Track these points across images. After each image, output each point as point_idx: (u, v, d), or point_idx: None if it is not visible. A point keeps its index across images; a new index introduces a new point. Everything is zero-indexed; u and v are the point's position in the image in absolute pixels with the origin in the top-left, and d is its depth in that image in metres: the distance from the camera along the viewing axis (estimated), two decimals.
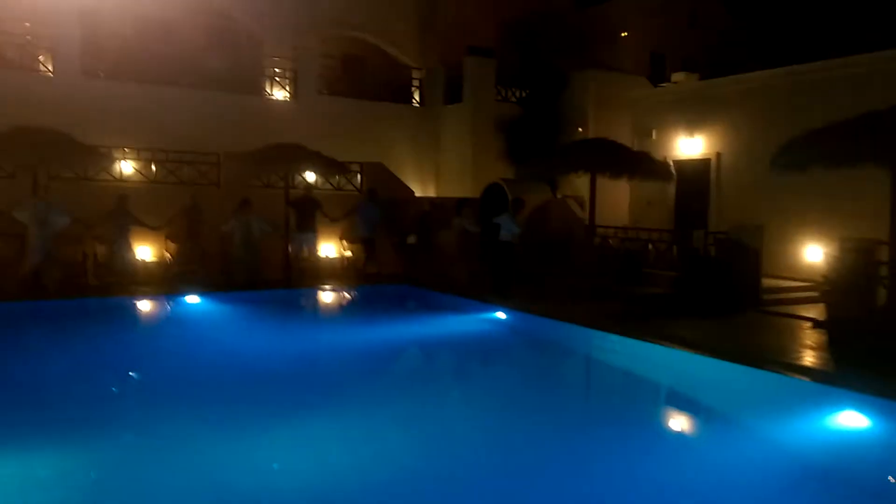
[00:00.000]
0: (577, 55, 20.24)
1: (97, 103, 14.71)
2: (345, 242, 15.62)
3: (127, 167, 14.34)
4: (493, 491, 4.91)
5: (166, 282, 12.92)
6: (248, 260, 13.14)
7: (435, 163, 19.89)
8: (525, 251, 13.10)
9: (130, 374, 8.07)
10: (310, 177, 15.36)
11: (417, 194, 17.89)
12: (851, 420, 6.55)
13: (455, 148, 19.36)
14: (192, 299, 11.94)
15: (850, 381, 6.79)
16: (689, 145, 16.05)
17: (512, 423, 6.53)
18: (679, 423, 7.38)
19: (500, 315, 11.30)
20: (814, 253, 12.68)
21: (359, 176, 16.35)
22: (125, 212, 12.51)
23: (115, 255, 12.45)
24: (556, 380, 8.64)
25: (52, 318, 10.56)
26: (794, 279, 12.96)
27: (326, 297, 13.53)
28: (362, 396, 7.24)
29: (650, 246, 13.68)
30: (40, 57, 15.18)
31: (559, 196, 16.80)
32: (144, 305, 11.91)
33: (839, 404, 6.62)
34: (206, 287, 12.33)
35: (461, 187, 18.26)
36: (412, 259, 14.87)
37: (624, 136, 16.11)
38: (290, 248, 13.95)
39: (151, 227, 13.02)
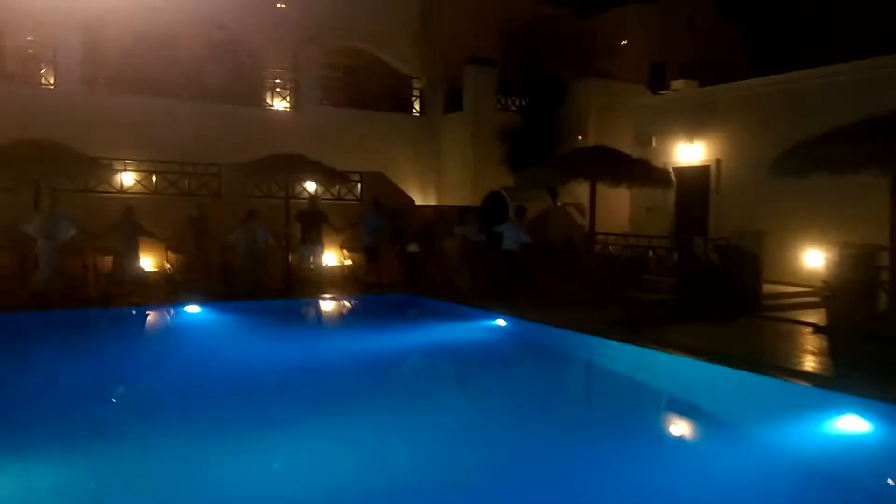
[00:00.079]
0: (577, 64, 20.32)
1: (98, 115, 14.80)
2: (345, 251, 15.65)
3: (128, 179, 14.40)
4: (494, 497, 4.91)
5: (167, 292, 12.93)
6: (252, 270, 13.19)
7: (435, 172, 19.94)
8: (526, 258, 13.13)
9: (129, 385, 8.07)
10: (310, 187, 15.41)
11: (418, 203, 17.93)
12: (852, 425, 6.53)
13: (455, 157, 19.41)
14: (194, 309, 11.95)
15: (851, 386, 6.78)
16: (689, 152, 16.08)
17: (513, 432, 6.52)
18: (680, 429, 7.37)
19: (501, 322, 11.30)
20: (814, 258, 12.68)
21: (359, 185, 16.39)
22: (133, 223, 12.52)
23: (124, 266, 12.45)
24: (557, 387, 8.62)
25: (53, 329, 10.58)
26: (795, 284, 12.95)
27: (327, 306, 13.53)
28: (361, 406, 7.23)
29: (650, 252, 13.69)
30: (42, 70, 15.27)
31: (559, 204, 16.84)
32: (146, 316, 11.92)
33: (840, 409, 6.60)
34: (207, 297, 12.35)
35: (462, 196, 18.29)
36: (414, 268, 14.89)
37: (624, 143, 16.14)
38: (290, 258, 14.00)
39: (159, 239, 13.06)
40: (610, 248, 14.28)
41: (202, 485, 5.06)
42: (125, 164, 14.28)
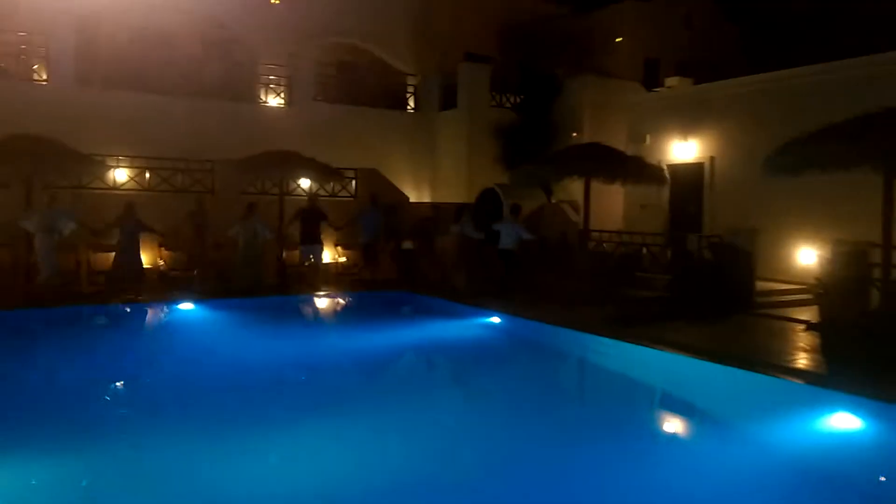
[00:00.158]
0: (572, 61, 20.30)
1: (92, 112, 14.73)
2: (339, 248, 15.63)
3: (121, 175, 14.34)
4: (487, 493, 4.92)
5: (162, 289, 12.88)
6: (251, 265, 13.17)
7: (430, 168, 19.92)
8: (522, 256, 13.15)
9: (121, 382, 8.06)
10: (305, 183, 15.38)
11: (412, 200, 17.92)
12: (844, 422, 6.56)
13: (450, 154, 19.40)
14: (190, 306, 11.92)
15: (843, 383, 6.81)
16: (683, 149, 16.10)
17: (506, 429, 6.53)
18: (673, 426, 7.39)
19: (495, 320, 11.32)
20: (807, 256, 12.70)
21: (354, 182, 16.37)
22: (135, 219, 12.45)
23: (124, 261, 12.41)
24: (551, 384, 8.63)
25: (47, 327, 10.56)
26: (788, 282, 12.99)
27: (321, 303, 13.53)
28: (353, 404, 7.23)
29: (644, 250, 13.71)
30: (35, 66, 15.19)
31: (554, 201, 16.84)
32: (139, 313, 11.89)
33: (832, 406, 6.63)
34: (201, 293, 12.32)
35: (456, 193, 18.28)
36: (408, 265, 14.88)
37: (618, 140, 16.15)
38: (284, 255, 14.00)
39: (160, 234, 13.02)
40: (604, 245, 14.29)
41: (196, 483, 5.05)
42: (118, 161, 14.22)
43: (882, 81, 12.11)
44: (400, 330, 11.65)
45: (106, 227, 12.33)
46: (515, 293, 12.29)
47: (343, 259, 15.65)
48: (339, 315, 13.49)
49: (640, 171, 12.56)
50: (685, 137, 16.04)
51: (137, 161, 14.52)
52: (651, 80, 19.92)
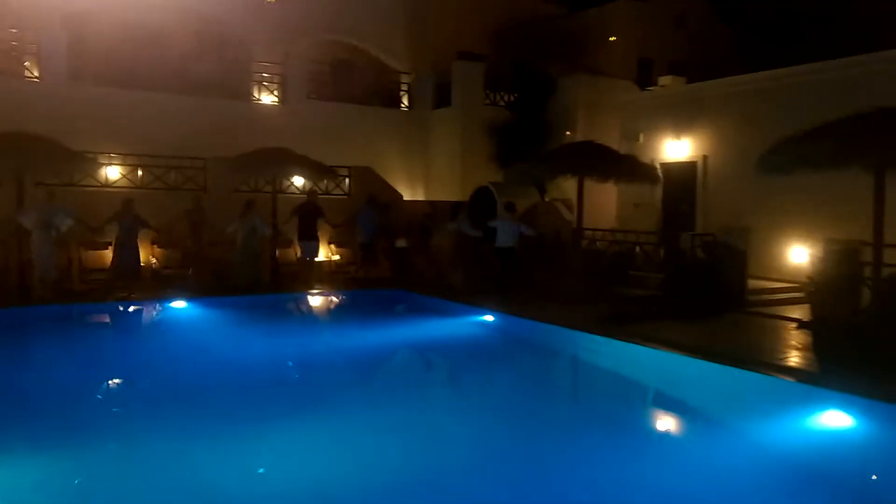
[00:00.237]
0: (565, 59, 20.32)
1: (84, 109, 14.65)
2: (333, 246, 15.62)
3: (114, 173, 14.28)
4: (478, 491, 4.92)
5: (155, 286, 12.82)
6: (249, 262, 13.17)
7: (424, 167, 19.91)
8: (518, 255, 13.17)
9: (112, 381, 8.04)
10: (298, 181, 15.36)
11: (406, 198, 17.90)
12: (836, 420, 6.59)
13: (444, 152, 19.39)
14: (182, 304, 11.89)
15: (835, 381, 6.84)
16: (676, 148, 16.14)
17: (498, 427, 6.55)
18: (665, 424, 7.41)
19: (488, 318, 11.32)
20: (799, 254, 12.76)
21: (347, 180, 16.35)
22: (133, 215, 12.40)
23: (122, 257, 12.34)
24: (543, 382, 8.64)
25: (36, 325, 10.52)
26: (780, 280, 13.05)
27: (314, 301, 13.51)
28: (344, 401, 7.23)
29: (637, 248, 13.75)
30: (26, 63, 15.11)
31: (547, 199, 16.86)
32: (133, 311, 11.86)
33: (823, 404, 6.66)
34: (196, 291, 12.29)
35: (450, 191, 18.28)
36: (402, 263, 14.87)
37: (612, 139, 16.19)
38: (276, 253, 14.00)
39: (156, 230, 12.98)
40: (597, 243, 14.32)
41: (190, 482, 5.04)
42: (110, 158, 14.16)
43: (874, 81, 12.17)
44: (393, 328, 11.67)
45: (104, 222, 12.30)
46: (512, 291, 12.30)
47: (337, 257, 15.63)
48: (332, 313, 13.48)
49: (634, 169, 12.58)
50: (678, 136, 16.08)
51: (130, 158, 14.45)
52: (644, 79, 19.97)
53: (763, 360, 7.84)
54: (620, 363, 8.86)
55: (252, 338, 10.32)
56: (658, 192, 16.00)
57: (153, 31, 16.92)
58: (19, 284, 11.69)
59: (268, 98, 17.92)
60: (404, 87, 20.31)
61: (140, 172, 14.49)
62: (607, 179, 12.48)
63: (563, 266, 12.96)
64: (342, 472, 5.22)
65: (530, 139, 17.72)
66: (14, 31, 15.29)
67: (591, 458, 5.62)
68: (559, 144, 16.20)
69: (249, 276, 13.08)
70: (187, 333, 10.84)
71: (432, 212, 15.04)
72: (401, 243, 14.87)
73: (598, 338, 9.27)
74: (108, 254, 13.19)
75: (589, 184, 12.67)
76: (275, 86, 17.93)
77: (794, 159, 8.61)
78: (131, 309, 11.81)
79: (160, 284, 12.93)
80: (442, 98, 19.58)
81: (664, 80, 17.40)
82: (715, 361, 7.84)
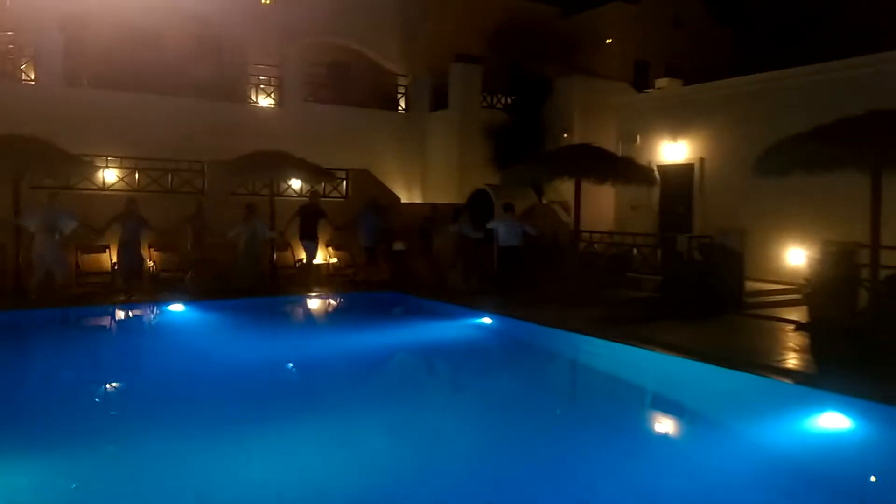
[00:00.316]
0: (562, 62, 20.35)
1: (80, 111, 14.62)
2: (331, 249, 15.61)
3: (111, 176, 14.26)
4: (471, 492, 4.93)
5: (154, 290, 12.78)
6: (251, 266, 13.21)
7: (421, 169, 19.91)
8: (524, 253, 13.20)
9: (107, 385, 8.02)
10: (295, 184, 15.35)
11: (403, 200, 17.91)
12: (833, 421, 6.60)
13: (441, 154, 19.39)
14: (181, 308, 11.87)
15: (832, 383, 6.85)
16: (673, 150, 16.16)
17: (494, 428, 6.54)
18: (662, 425, 7.40)
19: (486, 320, 11.33)
20: (796, 256, 12.78)
21: (345, 183, 16.35)
22: (136, 215, 12.39)
23: (126, 258, 12.32)
24: (540, 385, 8.62)
25: (31, 329, 10.49)
26: (777, 282, 13.06)
27: (311, 304, 13.50)
28: (343, 404, 7.22)
29: (635, 250, 13.75)
30: (23, 65, 15.08)
31: (545, 201, 16.87)
32: (129, 315, 11.84)
33: (821, 406, 6.67)
34: (193, 295, 12.27)
35: (447, 193, 18.28)
36: (400, 265, 14.87)
37: (608, 141, 16.21)
38: (274, 256, 13.99)
39: (160, 231, 12.99)
40: (595, 246, 14.32)
41: (185, 486, 5.03)
42: (107, 161, 14.14)
43: (871, 83, 12.20)
44: (389, 331, 11.64)
45: (107, 224, 12.29)
46: (511, 292, 12.30)
47: (334, 260, 15.62)
48: (328, 316, 13.47)
49: (631, 172, 12.60)
50: (675, 138, 16.10)
51: (127, 161, 14.43)
52: (641, 82, 20.01)
53: (760, 362, 7.85)
54: (618, 365, 8.86)
55: (247, 341, 10.32)
56: (655, 194, 16.01)
57: (150, 33, 16.90)
58: (15, 287, 11.64)
59: (265, 101, 17.92)
60: (401, 90, 20.31)
61: (137, 175, 14.46)
62: (604, 181, 12.49)
63: (561, 268, 12.96)
64: (337, 475, 5.21)
65: (527, 141, 17.73)
66: (10, 33, 15.26)
67: (587, 460, 5.62)
68: (556, 147, 16.22)
69: (251, 279, 13.11)
70: (186, 337, 10.82)
71: (433, 214, 15.05)
72: (398, 246, 14.87)
73: (595, 340, 9.27)
74: (105, 257, 13.19)
75: (586, 186, 12.69)
76: (272, 88, 17.92)
77: (791, 161, 8.63)
78: (130, 313, 11.79)
79: (158, 287, 12.91)
80: (439, 100, 19.58)
81: (661, 82, 17.43)
82: (712, 363, 7.85)
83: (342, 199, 16.12)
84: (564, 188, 15.86)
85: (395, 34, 20.24)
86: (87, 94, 15.36)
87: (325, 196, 15.81)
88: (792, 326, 9.79)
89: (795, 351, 8.41)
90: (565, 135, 18.36)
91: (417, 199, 19.26)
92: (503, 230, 12.76)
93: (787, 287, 12.49)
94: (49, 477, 5.09)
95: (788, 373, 7.47)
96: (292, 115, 17.52)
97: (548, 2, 22.51)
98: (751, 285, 12.37)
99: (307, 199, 14.49)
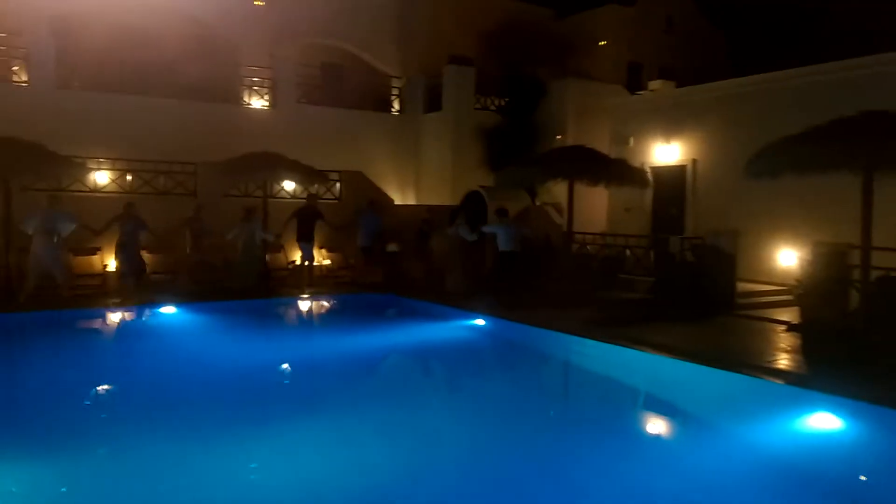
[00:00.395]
0: (556, 64, 20.40)
1: (73, 113, 14.57)
2: (324, 251, 15.59)
3: (103, 178, 14.21)
4: (464, 493, 4.92)
5: (147, 292, 12.71)
6: (248, 268, 13.23)
7: (414, 171, 19.91)
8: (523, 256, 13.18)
9: (99, 387, 7.99)
10: (288, 185, 15.33)
11: (397, 202, 17.89)
12: (824, 422, 6.62)
13: (435, 156, 19.40)
14: (173, 310, 11.83)
15: (823, 384, 6.87)
16: (666, 152, 16.20)
17: (486, 430, 6.53)
18: (654, 426, 7.41)
19: (479, 322, 11.32)
20: (788, 257, 12.83)
21: (338, 185, 16.33)
22: (134, 217, 12.35)
23: (125, 260, 12.28)
24: (532, 386, 8.63)
25: (21, 333, 10.44)
26: (769, 283, 13.10)
27: (303, 306, 13.47)
28: (335, 406, 7.22)
29: (627, 252, 13.76)
30: (14, 67, 15.02)
31: (538, 203, 16.88)
32: (118, 317, 11.78)
33: (812, 406, 6.69)
34: (187, 296, 12.24)
35: (441, 195, 18.28)
36: (394, 267, 14.85)
37: (602, 143, 16.23)
38: (267, 258, 13.98)
39: (158, 233, 12.95)
40: (587, 247, 14.34)
41: (179, 485, 5.01)
42: (99, 163, 14.09)
43: (863, 85, 12.26)
44: (383, 333, 11.63)
45: (106, 225, 12.27)
46: (504, 294, 12.29)
47: (328, 262, 15.59)
48: (321, 318, 13.45)
49: (624, 173, 12.61)
50: (668, 140, 16.15)
51: (119, 163, 14.39)
52: (634, 84, 20.07)
53: (752, 363, 7.87)
54: (610, 366, 8.87)
55: (240, 343, 10.30)
56: (648, 195, 16.05)
57: (143, 34, 16.83)
58: (6, 289, 11.58)
59: (258, 102, 17.89)
60: (395, 91, 20.31)
61: (129, 177, 14.42)
62: (597, 183, 12.50)
63: (554, 270, 12.97)
64: (329, 476, 5.20)
65: (521, 143, 17.74)
66: (2, 35, 15.20)
67: (579, 461, 5.62)
68: (549, 148, 16.22)
69: (248, 281, 13.13)
70: (180, 338, 10.79)
71: (430, 216, 15.06)
72: (392, 247, 14.86)
73: (588, 341, 9.28)
74: (97, 259, 13.13)
75: (579, 187, 12.70)
76: (265, 90, 17.90)
77: (783, 163, 8.65)
78: (123, 315, 11.74)
79: (151, 289, 12.86)
80: (433, 102, 19.59)
81: (654, 84, 17.49)
82: (704, 364, 7.87)
83: (335, 201, 16.10)
84: (558, 190, 15.88)
85: (388, 36, 20.24)
86: (80, 95, 15.31)
87: (318, 198, 15.79)
88: (783, 327, 9.82)
89: (787, 351, 8.44)
90: (558, 136, 18.39)
91: (411, 201, 19.25)
92: (502, 235, 12.75)
93: (778, 288, 12.54)
94: (42, 480, 5.07)
95: (780, 373, 7.49)
96: (285, 117, 17.50)
97: (542, 4, 22.55)
98: (743, 286, 12.41)
99: (302, 200, 14.49)
